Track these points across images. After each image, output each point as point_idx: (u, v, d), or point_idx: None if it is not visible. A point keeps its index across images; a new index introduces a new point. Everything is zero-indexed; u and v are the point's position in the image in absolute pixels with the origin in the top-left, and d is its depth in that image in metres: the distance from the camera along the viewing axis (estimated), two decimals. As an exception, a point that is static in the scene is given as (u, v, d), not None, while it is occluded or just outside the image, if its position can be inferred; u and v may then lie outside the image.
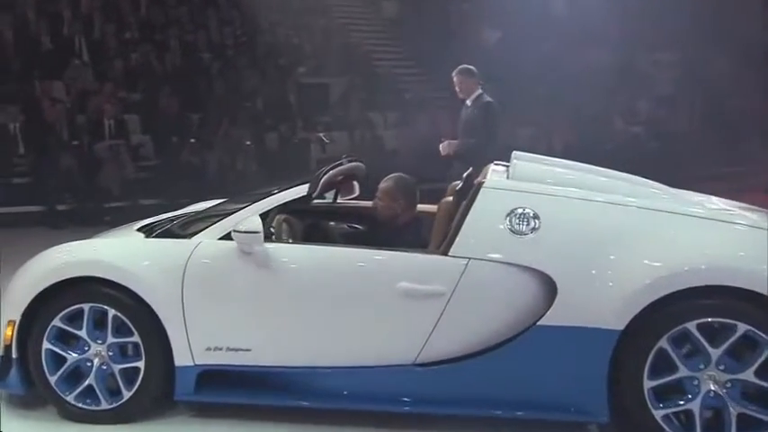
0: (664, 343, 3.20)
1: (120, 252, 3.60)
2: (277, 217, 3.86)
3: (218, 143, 9.98)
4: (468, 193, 3.57)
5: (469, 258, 3.34)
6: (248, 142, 9.71)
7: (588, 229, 3.40)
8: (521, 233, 3.37)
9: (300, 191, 3.69)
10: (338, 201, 4.67)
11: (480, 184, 3.52)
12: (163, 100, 10.38)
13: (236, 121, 10.27)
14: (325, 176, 3.77)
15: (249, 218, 3.46)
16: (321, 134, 9.33)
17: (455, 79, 6.32)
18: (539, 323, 3.28)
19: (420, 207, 4.05)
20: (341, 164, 4.13)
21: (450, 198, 3.79)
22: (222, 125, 10.13)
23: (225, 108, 10.44)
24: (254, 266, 3.48)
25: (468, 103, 6.28)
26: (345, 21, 13.57)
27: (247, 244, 3.43)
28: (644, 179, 4.01)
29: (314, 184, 3.69)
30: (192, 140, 9.77)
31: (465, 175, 3.97)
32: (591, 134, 10.85)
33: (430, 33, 13.11)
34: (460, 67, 6.33)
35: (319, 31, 13.04)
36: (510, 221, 3.39)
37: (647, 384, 3.21)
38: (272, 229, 3.79)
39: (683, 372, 3.20)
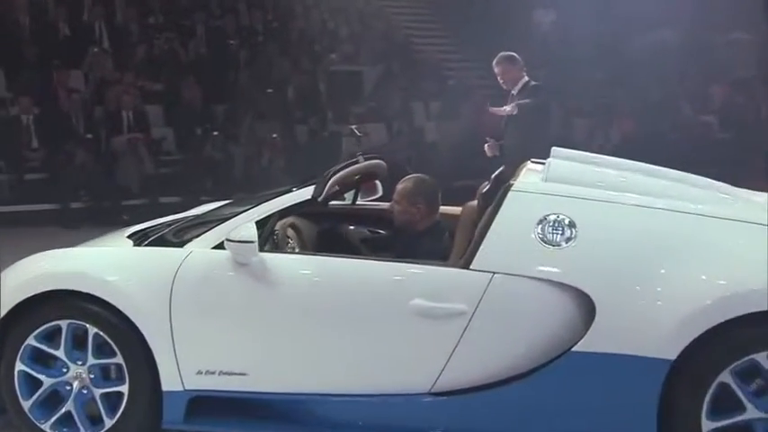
0: (726, 377, 2.90)
1: (102, 262, 3.44)
2: (281, 222, 3.67)
3: (244, 136, 9.87)
4: (495, 196, 3.32)
5: (494, 272, 3.10)
6: (275, 135, 9.56)
7: (634, 240, 3.13)
8: (554, 244, 3.11)
9: (304, 194, 3.48)
10: (358, 202, 4.48)
11: (508, 187, 3.27)
12: (186, 90, 10.31)
13: (263, 112, 10.15)
14: (334, 178, 3.55)
15: (243, 225, 3.27)
16: (353, 127, 9.10)
17: (496, 69, 6.02)
18: (574, 349, 3.01)
19: (445, 209, 3.85)
20: (354, 162, 3.90)
21: (475, 202, 3.55)
22: (248, 117, 10.01)
23: (252, 99, 10.32)
24: (250, 280, 3.28)
25: (515, 92, 5.97)
26: (384, 3, 13.35)
27: (241, 255, 3.24)
28: (707, 180, 3.70)
29: (320, 186, 3.47)
30: (216, 133, 9.66)
31: (494, 175, 3.71)
32: (654, 123, 10.43)
33: (476, 15, 12.80)
34: (500, 55, 6.02)
35: (356, 15, 12.85)
36: (542, 230, 3.13)
37: (707, 426, 2.92)
38: (275, 237, 3.59)
39: (752, 413, 2.89)
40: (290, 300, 3.27)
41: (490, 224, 3.19)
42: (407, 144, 10.14)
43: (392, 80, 11.29)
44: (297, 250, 3.72)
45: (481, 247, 3.15)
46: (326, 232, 4.40)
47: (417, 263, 3.24)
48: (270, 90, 10.39)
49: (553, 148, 3.96)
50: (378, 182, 4.49)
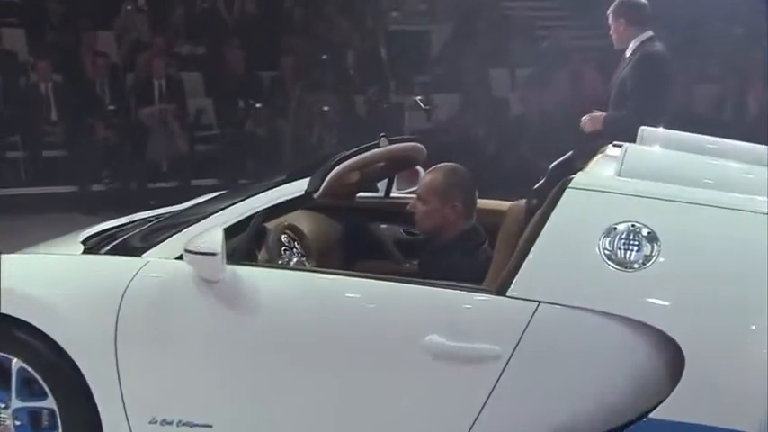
0: None
1: (35, 276, 3.00)
2: (274, 224, 3.18)
3: (292, 109, 9.46)
4: (548, 195, 2.73)
5: (539, 302, 2.54)
6: (326, 108, 9.12)
7: (743, 261, 2.50)
8: (626, 264, 2.52)
9: (294, 189, 2.96)
10: (393, 194, 4.01)
11: (565, 183, 2.68)
12: (230, 55, 9.95)
13: (316, 82, 9.71)
14: (338, 168, 3.02)
15: (208, 231, 2.77)
16: (418, 98, 8.59)
17: (610, 20, 5.10)
18: (652, 415, 2.46)
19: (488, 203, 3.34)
20: (372, 147, 3.36)
21: (524, 201, 2.96)
22: (298, 87, 9.58)
23: (305, 66, 9.90)
24: (218, 302, 2.81)
25: (628, 54, 5.08)
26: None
27: (204, 270, 2.75)
28: None
29: (317, 178, 2.95)
30: (258, 106, 9.27)
31: (553, 164, 3.10)
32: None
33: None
34: (619, 1, 5.08)
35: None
36: (610, 244, 2.54)
37: None
38: (267, 243, 3.11)
39: None
40: (269, 330, 2.80)
41: (537, 234, 2.61)
42: (484, 119, 9.50)
43: (467, 41, 10.62)
44: (294, 260, 3.21)
45: (524, 267, 2.58)
46: (351, 232, 3.91)
47: (437, 285, 2.68)
48: (325, 56, 9.92)
49: (642, 128, 3.34)
50: (420, 169, 3.96)
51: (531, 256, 2.59)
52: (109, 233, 3.48)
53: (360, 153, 3.26)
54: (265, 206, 2.94)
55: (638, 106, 4.69)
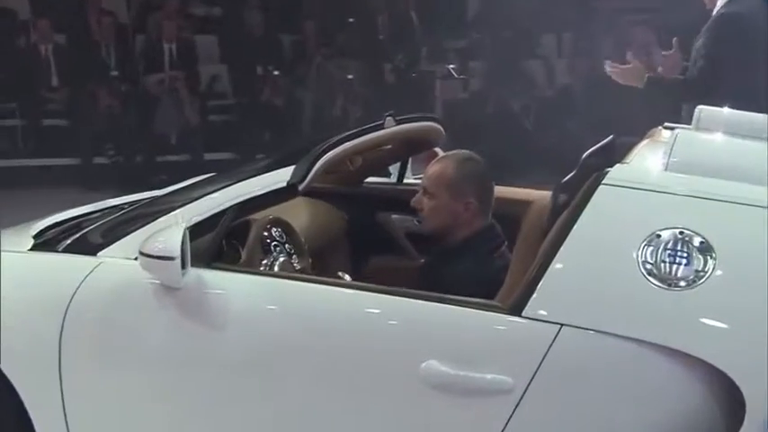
0: None
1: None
2: (259, 219, 2.86)
3: (314, 77, 9.16)
4: (578, 191, 2.37)
5: (562, 324, 2.18)
6: (350, 76, 8.81)
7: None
8: (672, 281, 2.16)
9: (277, 179, 2.62)
10: (408, 180, 3.70)
11: (598, 178, 2.30)
12: (248, 16, 9.65)
13: (341, 47, 9.40)
14: (329, 155, 2.68)
15: (167, 229, 2.45)
16: (451, 66, 8.26)
17: None
18: None
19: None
20: (376, 128, 3.02)
21: (542, 199, 2.59)
22: (319, 53, 9.27)
23: (328, 29, 9.58)
24: (180, 313, 2.49)
25: (714, 12, 4.55)
26: None
27: (161, 276, 2.43)
28: None
29: (302, 166, 2.61)
30: (277, 73, 8.99)
31: (588, 152, 2.71)
32: None
33: None
34: None
35: None
36: (652, 256, 2.18)
37: None
38: (250, 240, 2.79)
39: None
40: (239, 348, 2.48)
41: (562, 240, 2.25)
42: (526, 89, 9.12)
43: (507, 3, 10.15)
44: (281, 260, 2.89)
45: (544, 280, 2.22)
46: (357, 224, 3.59)
47: (438, 299, 2.33)
48: (351, 20, 9.60)
49: (699, 108, 2.94)
50: (440, 151, 3.62)
51: (553, 266, 2.23)
52: (70, 225, 3.17)
53: (359, 136, 2.91)
54: (240, 199, 2.60)
55: (703, 75, 4.21)
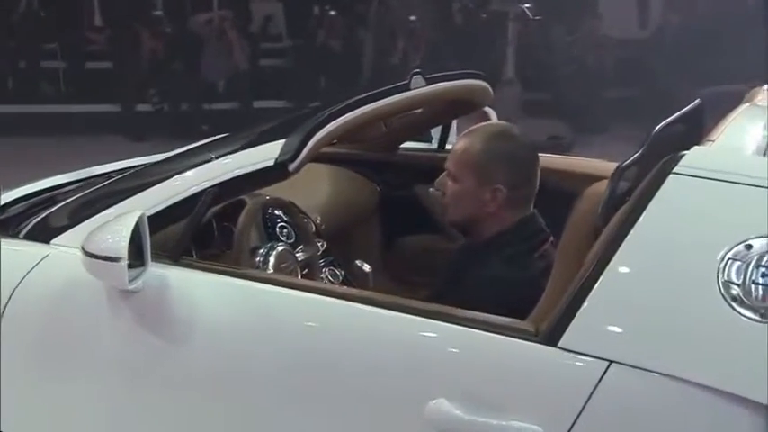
0: None
1: None
2: (250, 202, 2.45)
3: (374, 18, 8.82)
4: (643, 179, 1.87)
5: (611, 361, 1.70)
6: (413, 17, 8.42)
7: None
8: (765, 311, 1.65)
9: (262, 155, 2.18)
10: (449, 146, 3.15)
11: (668, 164, 1.80)
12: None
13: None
14: (328, 128, 2.22)
15: (113, 222, 2.04)
16: (525, 6, 7.79)
17: None
18: None
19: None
20: (399, 89, 2.55)
21: (600, 186, 2.07)
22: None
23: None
24: (135, 321, 2.09)
25: None
26: None
27: (106, 278, 2.03)
28: None
29: (294, 141, 2.17)
30: (334, 13, 8.67)
31: (662, 124, 2.18)
32: None
33: None
34: None
35: None
36: (738, 275, 1.68)
37: None
38: (239, 228, 2.40)
39: None
40: (201, 367, 2.07)
41: (616, 246, 1.75)
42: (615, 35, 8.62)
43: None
44: (278, 249, 2.47)
45: (590, 300, 1.73)
46: (389, 197, 3.20)
47: (452, 318, 1.87)
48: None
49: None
50: (489, 111, 3.19)
51: (603, 281, 1.74)
52: (42, 199, 2.79)
53: (376, 99, 2.45)
54: (216, 180, 2.17)
55: None
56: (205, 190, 2.16)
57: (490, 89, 2.98)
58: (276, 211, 2.60)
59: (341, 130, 2.31)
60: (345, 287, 2.16)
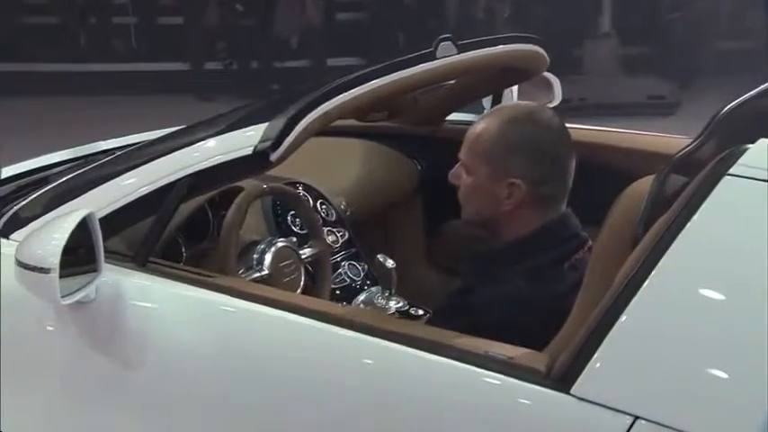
0: None
1: None
2: (243, 192, 2.20)
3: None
4: (694, 180, 1.53)
5: (636, 417, 1.38)
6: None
7: None
8: None
9: (241, 142, 1.90)
10: None
11: (722, 164, 1.46)
12: None
13: None
14: (321, 108, 1.93)
15: (46, 227, 1.80)
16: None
17: None
18: None
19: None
20: (422, 59, 2.22)
21: (647, 181, 1.71)
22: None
23: None
24: (84, 335, 1.88)
25: None
26: None
27: (38, 291, 1.80)
28: None
29: (276, 126, 1.88)
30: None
31: (734, 103, 1.81)
32: None
33: None
34: None
35: None
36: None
37: None
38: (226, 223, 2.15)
39: None
40: (154, 392, 1.84)
41: (655, 261, 1.41)
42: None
43: None
44: (277, 246, 2.21)
45: (613, 333, 1.40)
46: (434, 175, 2.88)
47: (444, 350, 1.56)
48: None
49: None
50: (552, 78, 2.88)
51: (630, 312, 1.41)
52: (33, 180, 2.58)
53: (395, 70, 2.14)
54: (183, 172, 1.91)
55: None
56: (177, 181, 1.91)
57: (544, 54, 2.65)
58: (275, 202, 2.35)
59: (342, 109, 2.01)
60: (326, 303, 1.87)
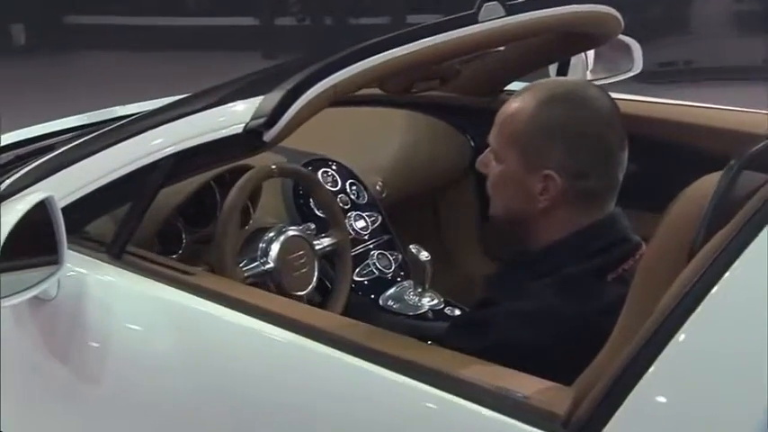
0: None
1: None
2: (252, 171, 1.99)
3: None
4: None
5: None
6: None
7: None
8: None
9: (232, 119, 1.68)
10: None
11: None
12: None
13: None
14: (323, 85, 1.69)
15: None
16: None
17: None
18: None
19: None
20: (457, 23, 1.96)
21: (708, 181, 1.45)
22: None
23: None
24: (43, 335, 1.73)
25: None
26: None
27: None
28: None
29: (270, 103, 1.65)
30: None
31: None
32: None
33: None
34: None
35: None
36: None
37: None
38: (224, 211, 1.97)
39: None
40: (112, 404, 1.68)
41: (701, 296, 1.16)
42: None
43: None
44: (287, 235, 2.01)
45: (643, 385, 1.15)
46: None
47: (450, 381, 1.33)
48: None
49: None
50: (631, 42, 2.66)
51: (667, 354, 1.16)
52: (36, 149, 2.41)
53: (430, 34, 1.88)
54: (165, 153, 1.71)
55: None
56: (158, 162, 1.71)
57: (616, 15, 2.38)
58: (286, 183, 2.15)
59: (355, 82, 1.77)
60: (316, 313, 1.66)
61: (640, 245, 1.63)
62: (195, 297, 1.57)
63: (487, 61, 2.65)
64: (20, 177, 1.96)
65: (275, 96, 1.65)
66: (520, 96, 1.67)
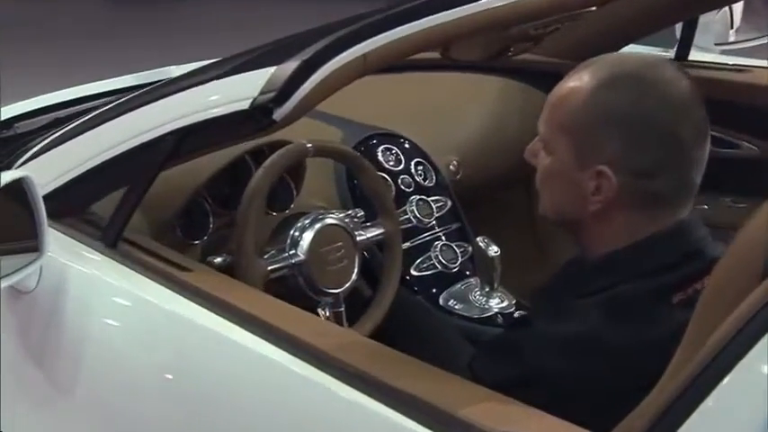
0: None
1: None
2: (284, 148, 1.82)
3: None
4: None
5: None
6: None
7: None
8: None
9: (236, 93, 1.51)
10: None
11: None
12: None
13: None
14: (347, 55, 1.48)
15: None
16: None
17: None
18: None
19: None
20: None
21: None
22: None
23: None
24: (21, 327, 1.63)
25: None
26: None
27: None
28: None
29: (282, 75, 1.46)
30: None
31: None
32: None
33: None
34: None
35: None
36: None
37: None
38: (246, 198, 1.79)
39: None
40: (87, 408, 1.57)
41: (761, 334, 0.94)
42: None
43: None
44: (324, 223, 1.82)
45: (700, 410, 0.95)
46: None
47: (449, 414, 1.13)
48: None
49: None
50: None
51: (716, 397, 0.95)
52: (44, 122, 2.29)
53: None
54: (163, 131, 1.55)
55: None
56: (157, 140, 1.56)
57: None
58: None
59: (396, 48, 1.54)
60: (331, 329, 1.48)
61: (713, 257, 1.41)
62: (180, 298, 1.42)
63: (595, 21, 2.42)
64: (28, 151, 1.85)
65: (288, 67, 1.47)
66: (576, 75, 1.43)
